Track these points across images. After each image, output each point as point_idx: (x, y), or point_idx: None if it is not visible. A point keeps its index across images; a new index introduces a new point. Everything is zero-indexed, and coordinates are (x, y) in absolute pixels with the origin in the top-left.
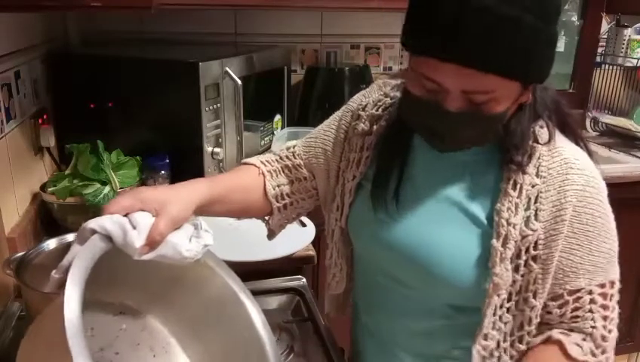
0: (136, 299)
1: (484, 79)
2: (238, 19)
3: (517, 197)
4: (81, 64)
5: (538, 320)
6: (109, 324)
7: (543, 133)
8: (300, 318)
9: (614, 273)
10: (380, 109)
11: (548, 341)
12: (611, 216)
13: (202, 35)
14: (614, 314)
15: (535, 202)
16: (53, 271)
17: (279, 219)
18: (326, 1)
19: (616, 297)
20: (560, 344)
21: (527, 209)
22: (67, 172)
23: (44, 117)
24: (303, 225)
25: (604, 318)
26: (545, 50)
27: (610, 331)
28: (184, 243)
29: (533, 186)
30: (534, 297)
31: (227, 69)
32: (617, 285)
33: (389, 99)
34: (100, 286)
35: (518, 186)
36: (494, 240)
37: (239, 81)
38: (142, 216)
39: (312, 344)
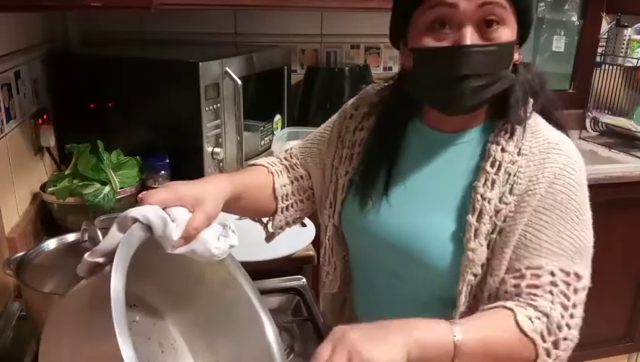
0: (151, 294)
1: None
2: (238, 19)
3: (494, 174)
4: (81, 64)
5: (487, 301)
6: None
7: (527, 116)
8: (300, 318)
9: (583, 268)
10: (372, 107)
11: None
12: (588, 208)
13: (202, 35)
14: (577, 311)
15: (513, 176)
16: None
17: (280, 221)
18: (326, 1)
19: (582, 296)
20: (511, 311)
21: (505, 184)
22: (67, 172)
23: (44, 117)
24: (303, 225)
25: (564, 308)
26: None
27: (568, 326)
28: (214, 241)
29: (513, 163)
30: (490, 274)
31: (227, 69)
32: (585, 283)
33: (380, 97)
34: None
35: (497, 164)
36: (469, 216)
37: (239, 81)
38: (179, 211)
39: (312, 344)
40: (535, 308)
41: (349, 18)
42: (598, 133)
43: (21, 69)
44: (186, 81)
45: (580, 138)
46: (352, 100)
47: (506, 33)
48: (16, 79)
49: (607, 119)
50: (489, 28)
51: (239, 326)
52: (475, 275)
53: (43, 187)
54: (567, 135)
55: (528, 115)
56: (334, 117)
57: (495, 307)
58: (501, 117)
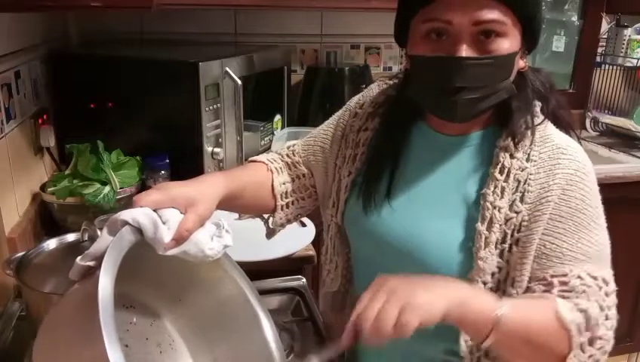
0: (148, 294)
1: (492, 7)
2: (238, 19)
3: (504, 181)
4: (81, 64)
5: None
6: (120, 317)
7: (535, 122)
8: (300, 318)
9: (608, 272)
10: (377, 106)
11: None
12: (602, 212)
13: (202, 35)
14: (611, 313)
15: (524, 184)
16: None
17: (280, 218)
18: (326, 1)
19: (613, 299)
20: (553, 301)
21: (515, 192)
22: (67, 172)
23: (44, 117)
24: (303, 225)
25: (601, 308)
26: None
27: (605, 326)
28: (207, 242)
29: (522, 170)
30: (512, 285)
31: (227, 69)
32: (613, 286)
33: (385, 96)
34: (117, 277)
35: (506, 170)
36: (479, 224)
37: (239, 81)
38: (171, 213)
39: (312, 344)
40: (575, 303)
41: (349, 18)
42: (598, 133)
43: (21, 69)
44: (186, 81)
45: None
46: (356, 98)
47: (506, 44)
48: (16, 79)
49: (607, 119)
50: (487, 39)
51: (238, 325)
52: (485, 283)
53: (43, 187)
54: (576, 134)
55: (536, 120)
56: (338, 114)
57: (537, 296)
58: (505, 123)
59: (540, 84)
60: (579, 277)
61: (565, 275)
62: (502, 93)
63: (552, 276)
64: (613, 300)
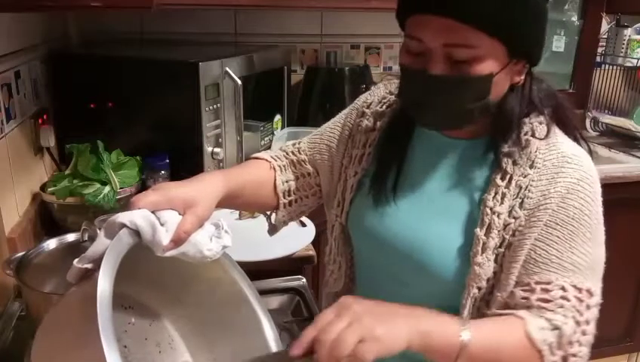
0: (147, 294)
1: (464, 33)
2: (238, 19)
3: (505, 187)
4: (81, 64)
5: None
6: (119, 318)
7: (541, 129)
8: (300, 318)
9: (595, 284)
10: (384, 106)
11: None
12: (601, 225)
13: (202, 35)
14: (589, 328)
15: (524, 190)
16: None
17: (283, 216)
18: (326, 1)
19: (594, 312)
20: (523, 320)
21: (516, 198)
22: (67, 172)
23: (44, 117)
24: (303, 225)
25: (577, 323)
26: (528, 12)
27: (579, 342)
28: (206, 243)
29: (525, 176)
30: (499, 289)
31: (227, 69)
32: (597, 299)
33: (393, 96)
34: (116, 277)
35: (508, 177)
36: (477, 229)
37: (239, 81)
38: (170, 214)
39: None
40: (547, 320)
41: (349, 18)
42: (598, 133)
43: (21, 69)
44: (186, 81)
45: None
46: (363, 97)
47: (481, 68)
48: (16, 79)
49: (607, 119)
50: (458, 60)
51: (238, 325)
52: (480, 289)
53: (43, 187)
54: (585, 140)
55: (541, 128)
56: (345, 113)
57: (506, 314)
58: (501, 132)
59: (546, 95)
60: (562, 288)
61: (549, 283)
62: (475, 113)
63: (537, 282)
64: (593, 314)
